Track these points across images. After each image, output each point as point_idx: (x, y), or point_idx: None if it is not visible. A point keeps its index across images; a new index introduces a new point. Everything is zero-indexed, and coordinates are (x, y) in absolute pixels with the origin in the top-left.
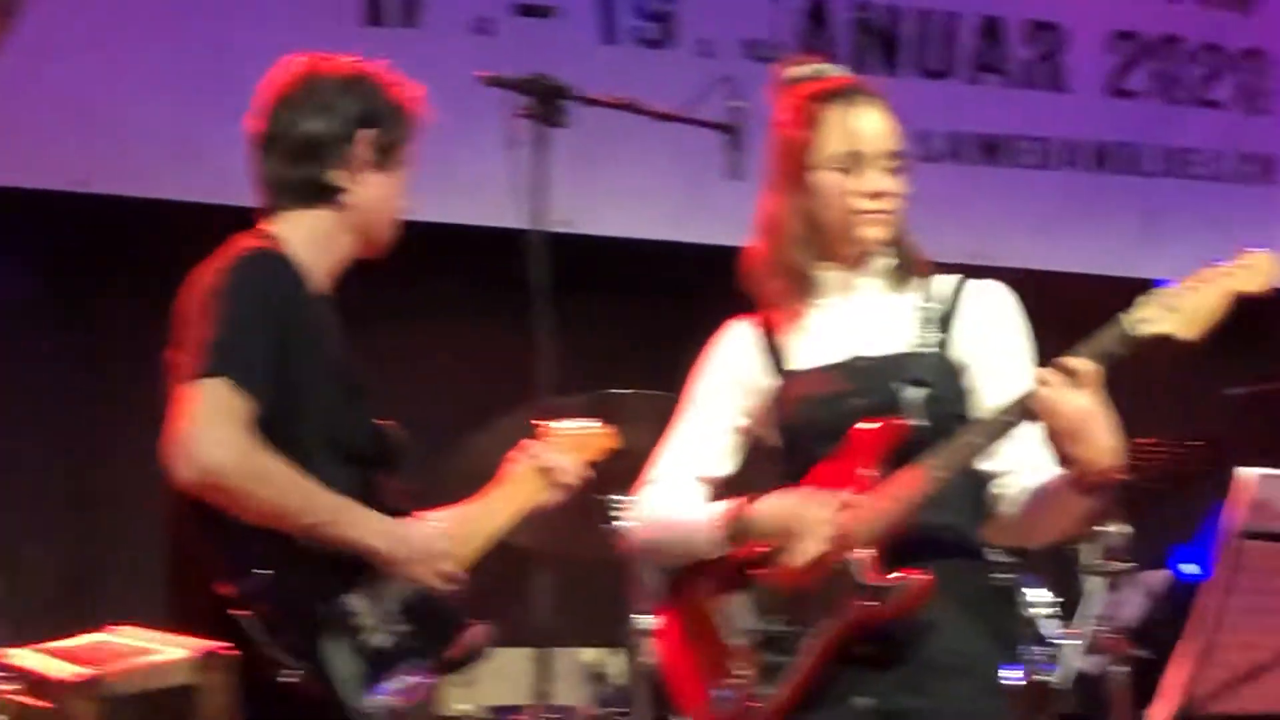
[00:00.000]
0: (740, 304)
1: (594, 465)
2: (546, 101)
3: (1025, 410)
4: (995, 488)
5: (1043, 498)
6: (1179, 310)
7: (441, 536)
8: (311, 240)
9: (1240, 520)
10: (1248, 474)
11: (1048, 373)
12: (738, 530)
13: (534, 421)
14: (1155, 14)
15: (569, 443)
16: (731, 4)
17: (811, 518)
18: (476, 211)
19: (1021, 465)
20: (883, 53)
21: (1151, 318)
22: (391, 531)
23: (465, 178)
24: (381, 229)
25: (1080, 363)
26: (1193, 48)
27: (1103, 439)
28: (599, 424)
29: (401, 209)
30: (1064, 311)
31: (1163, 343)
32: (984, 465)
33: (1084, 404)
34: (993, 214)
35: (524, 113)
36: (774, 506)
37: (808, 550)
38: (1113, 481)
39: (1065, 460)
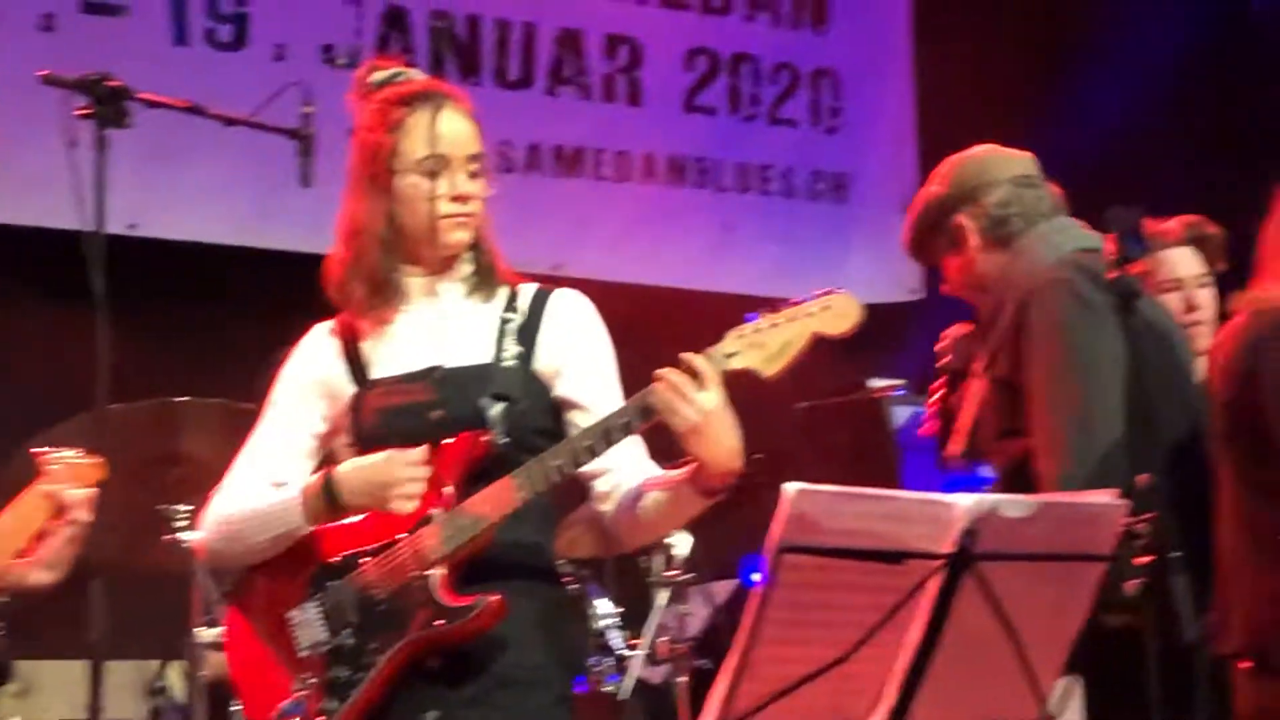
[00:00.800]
0: (312, 311)
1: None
2: (107, 102)
3: (645, 409)
4: (596, 485)
5: (652, 497)
6: (763, 347)
7: None
8: None
9: (778, 534)
10: (787, 488)
11: (669, 371)
12: (325, 497)
13: (32, 451)
14: (729, 32)
15: (65, 473)
16: (307, 8)
17: (400, 472)
18: (35, 212)
19: (621, 463)
20: (461, 62)
21: (738, 352)
22: None
23: (25, 177)
24: None
25: (702, 361)
26: (767, 66)
27: (725, 438)
28: (87, 455)
29: None
30: (643, 323)
31: (745, 375)
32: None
33: (706, 401)
34: (571, 225)
35: (84, 113)
36: (359, 466)
37: (403, 505)
38: (732, 481)
39: (687, 460)
